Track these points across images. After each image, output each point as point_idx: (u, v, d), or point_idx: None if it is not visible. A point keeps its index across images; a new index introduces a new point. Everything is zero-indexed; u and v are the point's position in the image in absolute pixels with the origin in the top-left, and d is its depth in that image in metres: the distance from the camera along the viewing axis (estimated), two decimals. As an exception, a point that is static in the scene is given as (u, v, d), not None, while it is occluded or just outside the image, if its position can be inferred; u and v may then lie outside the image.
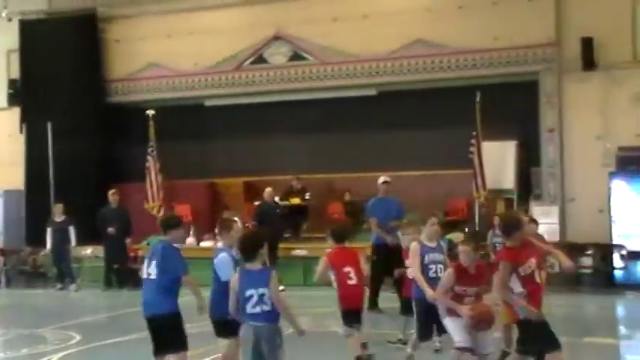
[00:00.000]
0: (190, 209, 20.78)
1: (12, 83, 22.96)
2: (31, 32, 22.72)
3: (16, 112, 22.80)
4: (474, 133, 17.90)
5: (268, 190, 18.99)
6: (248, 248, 7.45)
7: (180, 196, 21.10)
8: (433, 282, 8.83)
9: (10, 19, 22.14)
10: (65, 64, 22.13)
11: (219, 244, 8.80)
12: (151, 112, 20.22)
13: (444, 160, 19.07)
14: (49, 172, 21.37)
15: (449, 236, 18.29)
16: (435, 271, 9.00)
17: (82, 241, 20.04)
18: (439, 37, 19.59)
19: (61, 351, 11.90)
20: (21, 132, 22.79)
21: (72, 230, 19.62)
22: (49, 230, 19.83)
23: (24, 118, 22.78)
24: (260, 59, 21.23)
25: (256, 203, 19.73)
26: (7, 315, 17.22)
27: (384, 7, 20.06)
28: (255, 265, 7.32)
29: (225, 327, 7.96)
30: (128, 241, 19.69)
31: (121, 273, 19.30)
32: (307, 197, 19.93)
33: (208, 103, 21.77)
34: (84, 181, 21.50)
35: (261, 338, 7.09)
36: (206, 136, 21.54)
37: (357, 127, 20.41)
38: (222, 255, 8.41)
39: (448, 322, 8.30)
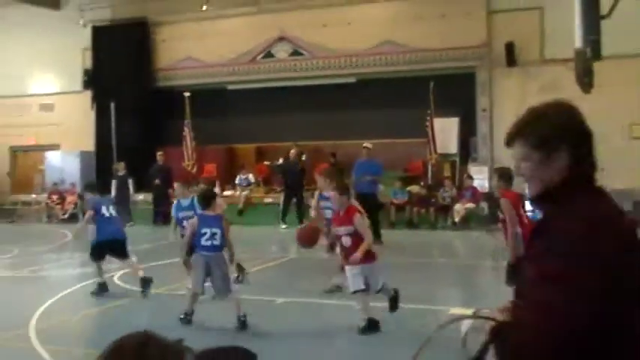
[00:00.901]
0: (216, 167, 21.81)
1: (85, 73, 23.83)
2: (100, 35, 23.57)
3: (88, 94, 23.75)
4: (429, 111, 18.70)
5: (293, 151, 19.44)
6: (206, 199, 8.63)
7: (208, 158, 21.92)
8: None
9: (85, 25, 23.31)
10: (124, 58, 22.80)
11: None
12: (187, 94, 21.11)
13: (406, 132, 19.73)
14: (112, 139, 22.22)
15: (408, 188, 20.09)
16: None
17: (137, 190, 20.95)
18: (402, 39, 20.33)
19: (122, 269, 12.08)
20: (92, 109, 23.69)
21: (131, 182, 20.51)
22: (113, 182, 20.54)
23: (94, 99, 23.63)
24: (269, 54, 21.89)
25: (279, 162, 20.33)
26: (84, 243, 18.81)
27: (362, 16, 20.73)
28: (210, 212, 8.44)
29: None
30: (170, 190, 20.14)
31: (164, 214, 19.87)
32: (303, 159, 20.25)
33: (230, 87, 22.30)
34: (137, 145, 22.02)
35: (211, 264, 8.17)
36: (228, 112, 21.95)
37: (340, 106, 20.87)
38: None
39: (345, 271, 8.07)
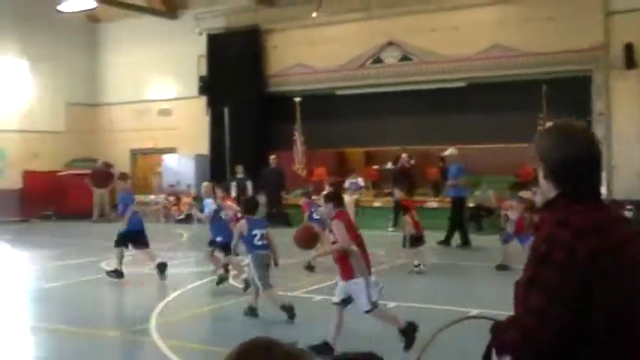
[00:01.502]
0: (325, 171, 22.10)
1: (201, 79, 24.36)
2: (215, 42, 24.11)
3: (203, 99, 24.40)
4: (541, 115, 18.04)
5: (404, 155, 19.83)
6: (251, 207, 9.83)
7: (317, 161, 22.32)
8: None
9: (200, 34, 23.99)
10: (238, 65, 23.19)
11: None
12: (297, 99, 21.46)
13: (517, 136, 18.35)
14: (225, 142, 22.72)
15: (520, 193, 19.82)
16: None
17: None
18: (511, 43, 19.92)
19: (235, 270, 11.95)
20: (207, 114, 24.29)
21: (249, 184, 20.92)
22: (232, 184, 20.98)
23: (209, 104, 24.18)
24: (378, 60, 21.85)
25: (388, 166, 20.86)
26: (197, 242, 17.39)
27: (470, 20, 20.45)
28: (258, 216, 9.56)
29: None
30: (283, 192, 21.28)
31: (276, 215, 20.61)
32: (412, 162, 20.44)
33: (339, 92, 22.40)
34: (249, 148, 22.51)
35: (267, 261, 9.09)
36: (336, 116, 22.04)
37: (449, 110, 20.59)
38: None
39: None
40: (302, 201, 15.41)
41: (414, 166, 20.59)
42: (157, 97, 26.44)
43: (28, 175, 24.41)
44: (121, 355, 8.64)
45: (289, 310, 8.97)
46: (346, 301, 7.43)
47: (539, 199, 2.75)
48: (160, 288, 11.84)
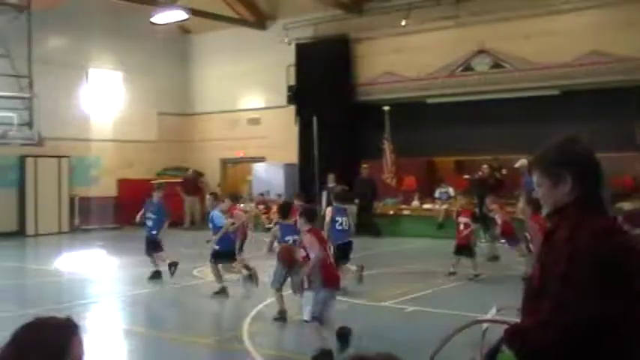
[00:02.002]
0: (415, 180, 22.08)
1: (290, 88, 24.65)
2: (304, 52, 24.39)
3: (292, 109, 24.67)
4: None
5: (485, 166, 19.65)
6: (284, 211, 10.28)
7: (407, 170, 22.12)
8: None
9: (289, 43, 24.31)
10: (326, 74, 23.37)
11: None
12: (386, 108, 21.53)
13: (614, 145, 18.13)
14: (314, 151, 22.77)
15: (618, 205, 19.24)
16: None
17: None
18: (610, 48, 19.33)
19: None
20: (295, 123, 24.58)
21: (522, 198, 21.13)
22: (324, 193, 21.43)
23: (298, 113, 24.48)
24: (468, 67, 21.66)
25: (466, 177, 20.57)
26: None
27: (565, 26, 20.00)
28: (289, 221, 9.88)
29: None
30: (374, 202, 21.22)
31: (366, 225, 20.51)
32: (504, 173, 20.02)
33: (429, 100, 22.19)
34: (338, 157, 22.50)
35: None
36: (426, 125, 21.80)
37: (542, 119, 19.74)
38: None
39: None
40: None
41: (505, 176, 20.12)
42: (246, 107, 26.94)
43: (122, 183, 25.24)
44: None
45: (282, 315, 9.70)
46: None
47: (546, 209, 2.96)
48: (251, 295, 12.01)
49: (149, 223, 13.92)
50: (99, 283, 13.81)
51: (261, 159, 25.79)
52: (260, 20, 26.14)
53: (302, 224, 8.26)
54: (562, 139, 2.94)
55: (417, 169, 22.53)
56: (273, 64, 25.19)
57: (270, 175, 24.76)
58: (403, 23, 22.00)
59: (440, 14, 21.76)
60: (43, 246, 21.33)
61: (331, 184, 21.27)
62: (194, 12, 23.53)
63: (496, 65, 21.43)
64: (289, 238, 9.71)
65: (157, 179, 25.79)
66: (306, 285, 8.11)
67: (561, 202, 2.85)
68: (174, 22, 24.82)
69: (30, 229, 22.87)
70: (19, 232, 22.66)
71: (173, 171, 26.67)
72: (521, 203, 15.09)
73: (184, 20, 24.86)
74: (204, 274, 13.74)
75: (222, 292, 11.87)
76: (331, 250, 9.55)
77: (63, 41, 24.47)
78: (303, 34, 24.58)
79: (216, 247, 12.10)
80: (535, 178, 2.96)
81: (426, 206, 21.24)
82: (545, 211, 2.98)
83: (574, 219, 2.77)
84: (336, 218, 10.62)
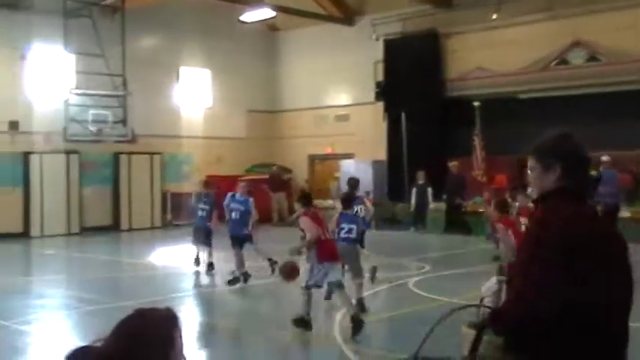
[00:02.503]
0: (506, 177, 20.97)
1: (378, 85, 24.54)
2: (391, 48, 24.28)
3: (380, 105, 24.57)
4: None
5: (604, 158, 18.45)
6: (347, 201, 10.80)
7: (498, 168, 21.56)
8: None
9: (377, 39, 24.30)
10: (415, 70, 23.13)
11: None
12: (476, 104, 21.19)
13: None
14: (403, 148, 22.88)
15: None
16: None
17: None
18: None
19: (416, 277, 12.89)
20: (384, 120, 24.50)
21: (430, 190, 20.97)
22: (414, 190, 21.38)
23: (386, 110, 24.37)
24: (563, 61, 21.10)
25: None
26: (377, 248, 18.00)
27: None
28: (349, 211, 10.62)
29: None
30: (459, 200, 20.76)
31: (457, 222, 20.64)
32: (594, 173, 20.17)
33: (522, 96, 21.67)
34: (427, 154, 22.22)
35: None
36: (518, 121, 20.89)
37: None
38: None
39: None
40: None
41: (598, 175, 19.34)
42: (334, 104, 27.04)
43: (212, 179, 25.64)
44: (306, 357, 8.87)
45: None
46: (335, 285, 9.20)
47: (534, 193, 3.26)
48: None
49: (202, 213, 14.32)
50: (190, 277, 14.08)
51: (349, 156, 25.81)
52: (347, 16, 26.17)
53: (299, 208, 9.40)
54: (558, 134, 3.32)
55: (509, 167, 21.63)
56: (360, 60, 25.21)
57: (358, 172, 24.60)
58: (494, 17, 21.68)
59: (532, 7, 21.38)
60: (136, 240, 21.95)
61: (421, 181, 21.25)
62: (282, 9, 23.82)
63: (592, 58, 20.84)
64: (344, 226, 10.36)
65: (245, 176, 26.17)
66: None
67: (547, 189, 3.19)
68: (262, 20, 25.22)
69: (124, 223, 23.59)
70: (114, 227, 23.40)
71: (261, 167, 26.99)
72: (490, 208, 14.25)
73: (272, 18, 25.34)
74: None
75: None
76: None
77: (155, 40, 25.13)
78: (391, 29, 24.49)
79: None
80: (530, 163, 3.31)
81: (517, 204, 20.70)
82: (533, 195, 3.29)
83: (553, 206, 3.12)
84: (342, 225, 10.39)
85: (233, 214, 13.19)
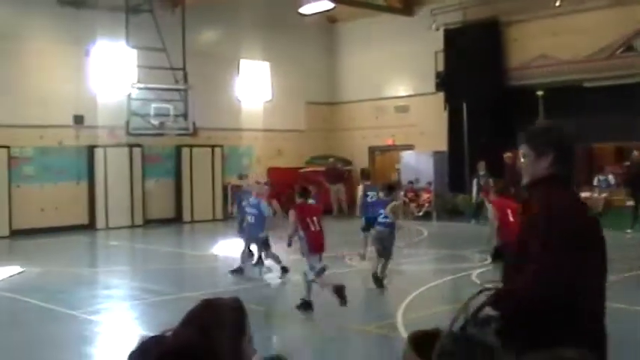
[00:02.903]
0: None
1: (438, 75, 24.38)
2: (451, 37, 23.98)
3: (441, 96, 24.35)
4: None
5: (636, 152, 19.05)
6: (389, 189, 12.29)
7: (566, 158, 21.88)
8: None
9: (437, 29, 23.96)
10: (476, 59, 22.80)
11: None
12: (539, 93, 20.97)
13: None
14: (464, 139, 22.70)
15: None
16: None
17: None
18: None
19: (478, 268, 12.57)
20: (444, 110, 24.22)
21: (490, 181, 20.07)
22: (474, 181, 21.24)
23: (446, 100, 24.12)
24: (629, 48, 20.52)
25: (626, 164, 19.86)
26: (438, 240, 18.92)
27: None
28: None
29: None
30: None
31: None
32: None
33: (586, 84, 21.19)
34: (488, 145, 21.71)
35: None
36: (583, 110, 20.63)
37: None
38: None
39: None
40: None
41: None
42: (393, 95, 26.85)
43: (273, 172, 25.83)
44: (370, 348, 8.86)
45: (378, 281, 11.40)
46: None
47: (525, 179, 3.50)
48: (403, 284, 12.00)
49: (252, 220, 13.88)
50: (253, 269, 14.17)
51: (409, 147, 25.67)
52: (407, 6, 25.94)
53: (296, 199, 10.29)
54: (551, 124, 3.73)
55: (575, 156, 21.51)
56: (420, 50, 24.95)
57: (419, 164, 24.61)
58: (557, 4, 21.21)
59: (597, -7, 20.88)
60: (198, 232, 22.23)
61: (482, 171, 21.06)
62: (341, 1, 23.76)
63: (660, 45, 20.17)
64: (382, 212, 11.65)
65: (304, 168, 26.28)
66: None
67: (539, 175, 3.43)
68: (321, 12, 25.22)
69: (186, 216, 23.93)
70: (176, 219, 23.75)
71: (321, 159, 27.02)
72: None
73: (331, 9, 25.30)
74: (355, 261, 13.87)
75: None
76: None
77: (215, 34, 25.36)
78: (451, 19, 24.19)
79: (262, 234, 13.13)
80: (523, 150, 3.52)
81: (583, 195, 20.06)
82: (524, 181, 3.52)
83: (545, 192, 3.38)
84: (380, 211, 11.73)
85: (249, 219, 13.16)
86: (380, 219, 11.57)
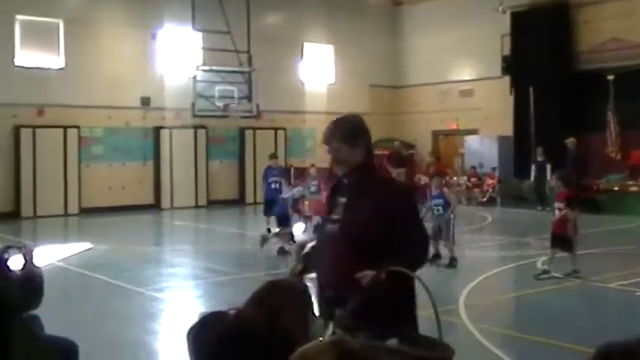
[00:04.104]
0: None
1: (504, 59, 24.05)
2: (519, 20, 23.53)
3: (507, 80, 23.99)
4: None
5: None
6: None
7: (634, 143, 20.73)
8: None
9: (504, 12, 23.56)
10: (543, 43, 22.32)
11: None
12: (610, 77, 20.35)
13: None
14: (530, 123, 22.20)
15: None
16: None
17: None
18: None
19: (543, 256, 11.93)
20: (510, 94, 23.82)
21: (548, 167, 20.35)
22: (532, 166, 21.13)
23: (513, 84, 23.75)
24: None
25: None
26: (501, 226, 18.69)
27: None
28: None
29: None
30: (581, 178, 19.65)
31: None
32: None
33: (661, 68, 20.39)
34: (555, 130, 21.34)
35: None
36: None
37: None
38: None
39: None
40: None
41: None
42: (458, 78, 26.56)
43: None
44: (431, 333, 8.81)
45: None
46: None
47: (344, 170, 4.14)
48: (466, 270, 11.91)
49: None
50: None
51: (474, 131, 25.39)
52: (473, -12, 25.53)
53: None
54: (354, 118, 4.22)
55: (647, 143, 20.93)
56: (486, 34, 24.58)
57: (483, 148, 24.33)
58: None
59: (674, -28, 20.16)
60: (260, 214, 22.36)
61: (540, 157, 20.86)
62: (406, -17, 23.52)
63: None
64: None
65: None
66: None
67: (356, 162, 4.00)
68: (386, -5, 25.07)
69: (249, 197, 24.14)
70: (240, 201, 24.03)
71: (384, 143, 26.87)
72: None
73: (396, -8, 25.14)
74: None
75: None
76: None
77: (279, 17, 25.46)
78: (519, 1, 23.70)
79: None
80: (334, 145, 4.05)
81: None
82: (342, 171, 4.06)
83: (372, 174, 4.11)
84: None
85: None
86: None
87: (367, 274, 3.59)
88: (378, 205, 3.84)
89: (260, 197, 24.12)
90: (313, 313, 2.73)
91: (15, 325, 4.04)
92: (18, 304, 4.13)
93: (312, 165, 17.39)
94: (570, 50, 22.71)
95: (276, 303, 2.62)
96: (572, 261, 10.81)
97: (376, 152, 23.79)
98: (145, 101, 22.55)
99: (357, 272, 3.61)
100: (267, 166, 16.02)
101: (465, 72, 26.47)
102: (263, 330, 2.51)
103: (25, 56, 20.87)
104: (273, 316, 2.55)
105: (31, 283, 4.21)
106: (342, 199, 4.02)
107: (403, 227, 3.84)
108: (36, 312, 4.44)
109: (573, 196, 11.13)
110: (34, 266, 4.30)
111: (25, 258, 4.29)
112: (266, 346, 2.46)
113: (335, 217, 4.02)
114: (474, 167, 23.90)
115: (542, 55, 22.44)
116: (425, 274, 10.09)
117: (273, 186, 15.13)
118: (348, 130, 4.06)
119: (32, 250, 4.38)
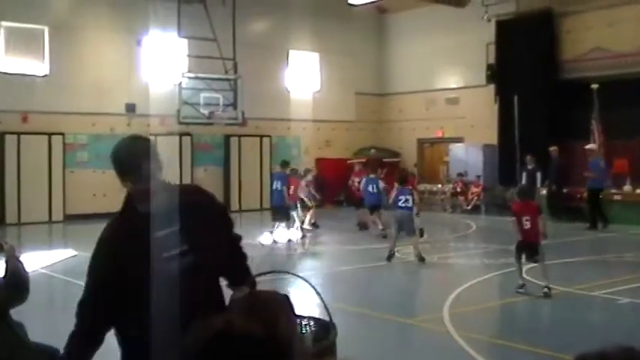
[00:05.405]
0: (627, 163, 20.58)
1: (489, 67, 24.15)
2: (504, 29, 23.66)
3: (491, 88, 24.13)
4: None
5: None
6: (402, 179, 13.89)
7: (618, 153, 20.84)
8: None
9: (489, 20, 23.62)
10: (528, 52, 22.46)
11: None
12: (594, 86, 20.27)
13: None
14: (515, 132, 21.92)
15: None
16: None
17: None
18: None
19: (529, 264, 11.37)
20: (495, 102, 23.93)
21: (538, 175, 20.45)
22: (523, 174, 20.85)
23: (497, 92, 23.85)
24: (688, 40, 19.67)
25: None
26: (486, 234, 18.71)
27: None
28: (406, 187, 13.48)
29: None
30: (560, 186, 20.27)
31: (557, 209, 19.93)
32: None
33: (644, 77, 20.52)
34: (540, 138, 21.42)
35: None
36: None
37: None
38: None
39: None
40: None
41: None
42: (444, 86, 26.68)
43: (321, 162, 25.87)
44: (415, 341, 8.85)
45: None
46: None
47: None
48: (450, 278, 11.95)
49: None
50: (305, 259, 14.24)
51: (459, 139, 25.50)
52: (458, -3, 25.68)
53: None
54: (128, 139, 3.67)
55: (630, 152, 21.01)
56: (471, 42, 24.74)
57: (468, 156, 24.41)
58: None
59: (655, -18, 20.31)
60: (246, 222, 22.31)
61: (530, 165, 20.85)
62: (391, -9, 23.58)
63: None
64: (402, 197, 13.24)
65: (353, 159, 26.19)
66: None
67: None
68: (371, 3, 25.08)
69: (234, 204, 24.11)
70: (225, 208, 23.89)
71: (368, 151, 26.94)
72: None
73: (381, 0, 25.10)
74: (402, 253, 13.84)
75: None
76: None
77: (264, 24, 25.48)
78: (504, 10, 23.83)
79: None
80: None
81: (639, 191, 19.86)
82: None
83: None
84: (400, 197, 13.32)
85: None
86: (400, 203, 13.26)
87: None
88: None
89: (245, 204, 24.26)
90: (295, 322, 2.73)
91: (2, 328, 4.03)
92: (3, 305, 4.12)
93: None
94: (554, 59, 22.86)
95: (268, 313, 2.62)
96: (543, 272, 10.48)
97: (355, 160, 24.18)
98: (130, 108, 22.51)
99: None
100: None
101: (450, 80, 26.59)
102: (260, 338, 2.52)
103: (10, 62, 20.84)
104: (268, 325, 2.56)
105: (15, 278, 4.20)
106: None
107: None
108: (20, 319, 4.42)
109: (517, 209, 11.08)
110: (17, 260, 4.30)
111: (7, 255, 4.30)
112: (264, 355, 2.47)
113: None
114: (461, 174, 23.95)
115: (526, 64, 22.61)
116: (410, 282, 10.17)
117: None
118: None
119: (14, 247, 4.38)
